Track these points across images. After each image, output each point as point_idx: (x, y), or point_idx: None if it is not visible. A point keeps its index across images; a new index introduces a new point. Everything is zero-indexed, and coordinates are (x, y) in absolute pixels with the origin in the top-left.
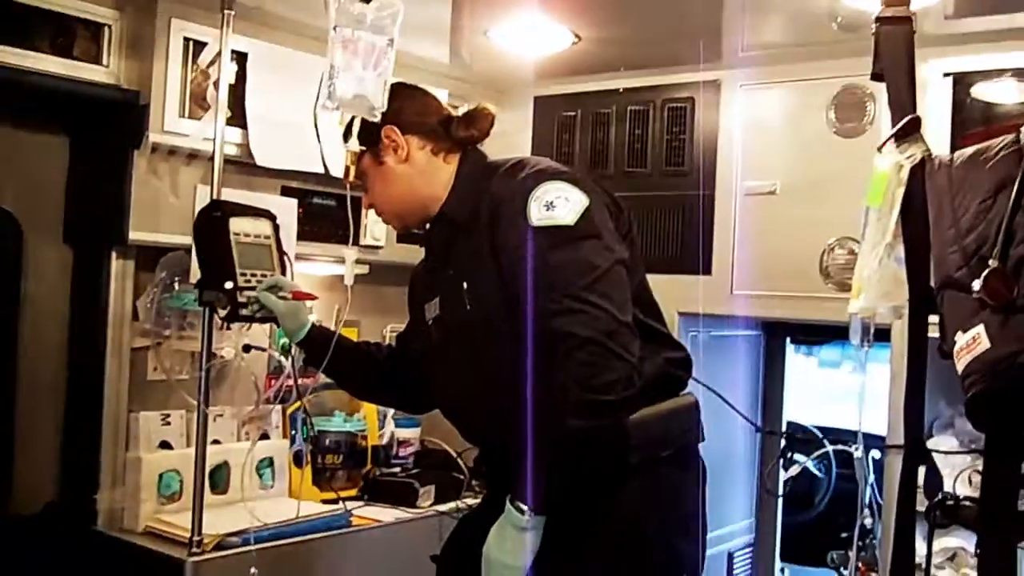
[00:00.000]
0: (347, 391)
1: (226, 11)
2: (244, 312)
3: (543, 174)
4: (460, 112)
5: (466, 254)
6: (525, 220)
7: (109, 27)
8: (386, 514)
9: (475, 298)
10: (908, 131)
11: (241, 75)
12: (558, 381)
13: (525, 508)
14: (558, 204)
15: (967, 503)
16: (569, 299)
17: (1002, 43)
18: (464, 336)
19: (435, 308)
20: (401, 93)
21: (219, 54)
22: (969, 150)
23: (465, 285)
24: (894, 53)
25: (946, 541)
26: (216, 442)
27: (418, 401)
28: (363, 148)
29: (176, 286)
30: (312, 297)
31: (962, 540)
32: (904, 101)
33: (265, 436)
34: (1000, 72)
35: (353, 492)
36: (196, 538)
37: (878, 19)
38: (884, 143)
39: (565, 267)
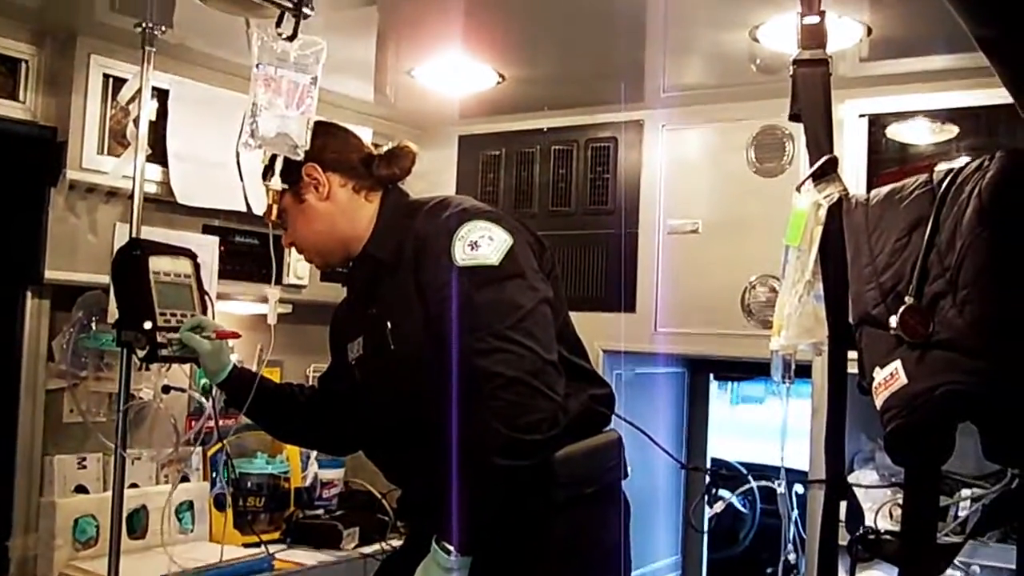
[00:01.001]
0: (269, 433)
1: (147, 47)
2: (164, 352)
3: (467, 213)
4: (381, 151)
5: (390, 293)
6: (450, 259)
7: (26, 62)
8: (310, 557)
9: (399, 337)
10: (826, 171)
11: (162, 112)
12: (483, 420)
13: (451, 548)
14: (482, 244)
15: (888, 536)
16: (494, 338)
17: (915, 85)
18: (388, 376)
19: (358, 348)
20: (322, 131)
21: (139, 91)
22: (884, 189)
23: (389, 324)
24: (811, 95)
25: (868, 575)
26: (134, 486)
27: (341, 442)
28: (284, 186)
29: (93, 326)
30: (236, 335)
31: (884, 573)
32: (821, 141)
33: (185, 479)
34: (913, 113)
35: (276, 535)
36: None
37: (795, 62)
38: (802, 183)
39: (490, 307)
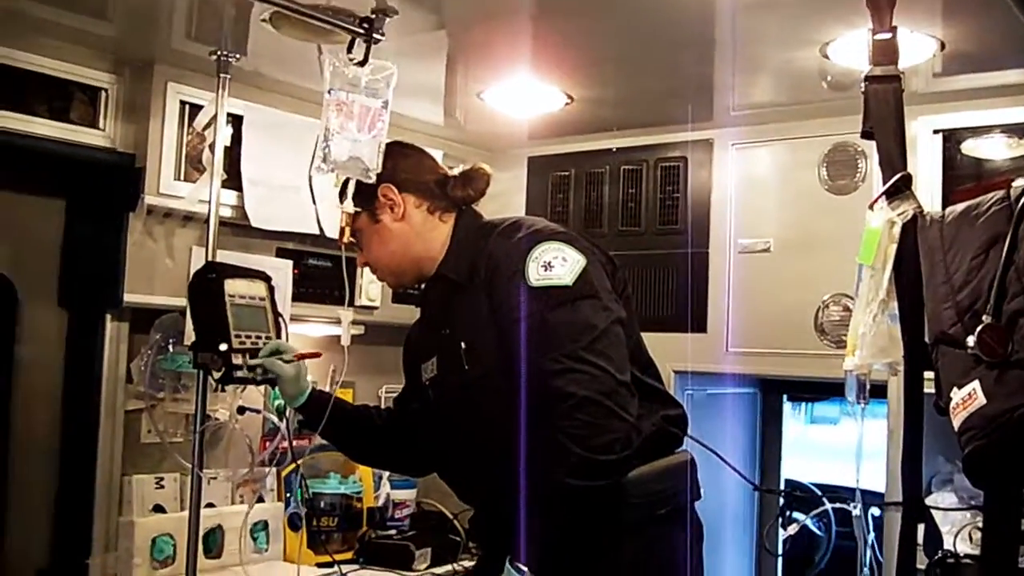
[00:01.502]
0: (346, 455)
1: (222, 75)
2: (240, 375)
3: (540, 234)
4: (456, 172)
5: (463, 314)
6: (523, 280)
7: (106, 91)
8: None
9: (473, 358)
10: (899, 188)
11: (236, 137)
12: (556, 440)
13: (524, 569)
14: (555, 264)
15: (968, 560)
16: (568, 359)
17: (990, 100)
18: (462, 396)
19: (432, 368)
20: (398, 152)
21: (215, 117)
22: (960, 206)
23: (463, 345)
24: (883, 111)
25: None
26: (210, 505)
27: (417, 464)
28: (357, 209)
29: (170, 348)
30: (317, 355)
31: None
32: (894, 158)
33: (260, 499)
34: (989, 128)
35: (349, 555)
36: None
37: (867, 78)
38: (875, 200)
39: (563, 327)
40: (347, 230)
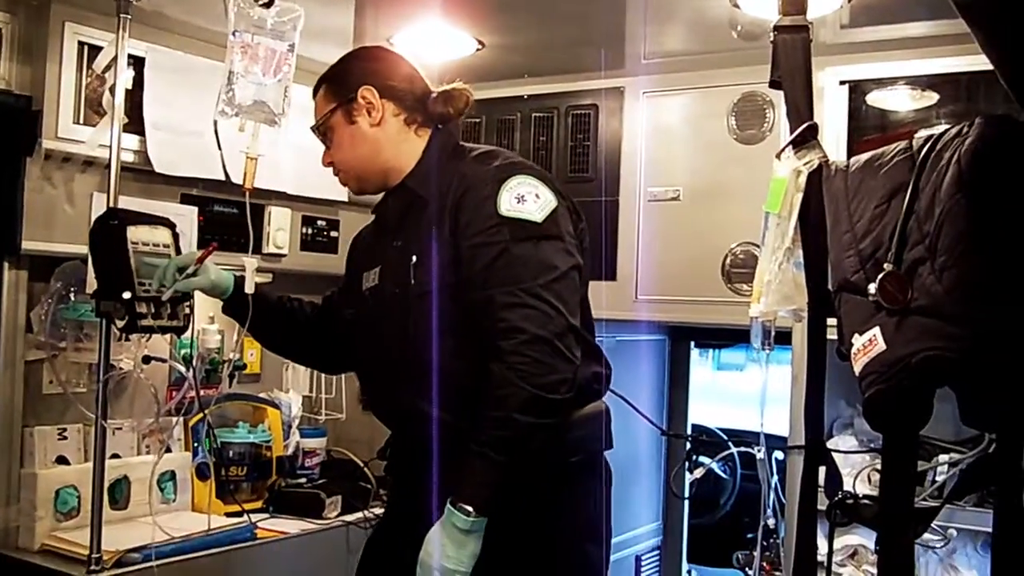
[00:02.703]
0: (264, 345)
1: (122, 15)
2: (145, 323)
3: (517, 166)
4: (440, 89)
5: (421, 229)
6: (494, 207)
7: (0, 31)
8: (292, 526)
9: (421, 273)
10: (805, 138)
11: (138, 80)
12: (503, 375)
13: (470, 508)
14: (528, 199)
15: (866, 501)
16: (524, 294)
17: (896, 52)
18: (402, 309)
19: (374, 278)
20: (387, 58)
21: (115, 59)
22: (864, 156)
23: (414, 259)
24: (791, 61)
25: (847, 539)
26: (115, 456)
27: (336, 363)
28: (334, 104)
29: (72, 297)
30: (214, 246)
31: (862, 537)
32: (801, 108)
33: (167, 449)
34: (894, 80)
35: (258, 504)
36: (95, 555)
37: (776, 28)
38: (782, 150)
39: (525, 261)
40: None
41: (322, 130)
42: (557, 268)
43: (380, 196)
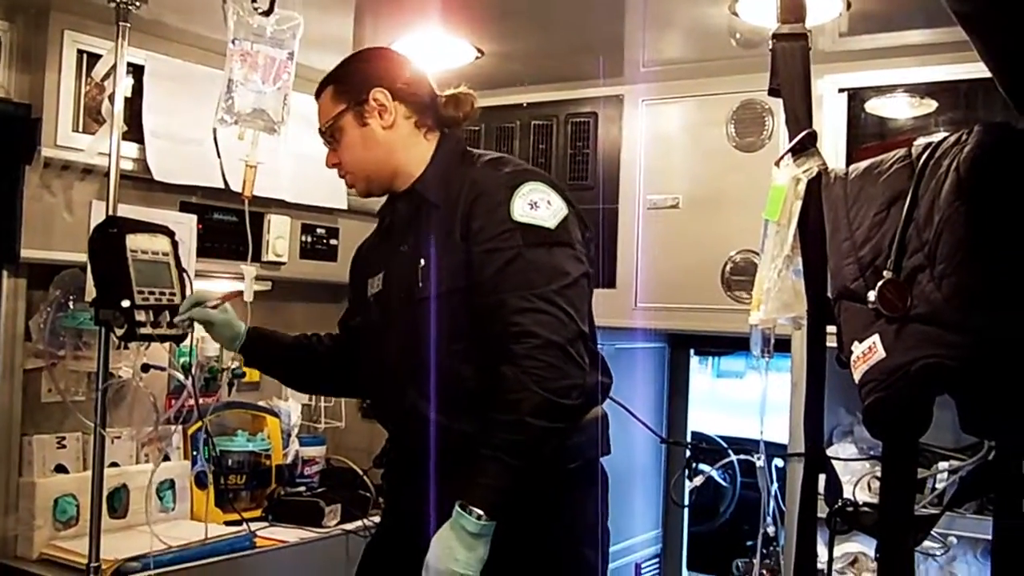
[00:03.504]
0: (293, 388)
1: (121, 23)
2: (144, 331)
3: (529, 173)
4: (447, 93)
5: (429, 233)
6: (507, 212)
7: None
8: (291, 534)
9: (429, 277)
10: (804, 145)
11: (137, 88)
12: (515, 377)
13: (480, 512)
14: (541, 205)
15: (866, 509)
16: (538, 299)
17: (894, 59)
18: (407, 314)
19: (379, 283)
20: (397, 60)
21: (114, 67)
22: (863, 164)
23: (422, 262)
24: (790, 69)
25: (847, 547)
26: (114, 465)
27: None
28: (344, 106)
29: (71, 305)
30: (238, 293)
31: (862, 545)
32: (800, 116)
33: (166, 458)
34: (892, 88)
35: (257, 513)
36: (94, 564)
37: (775, 36)
38: (781, 157)
39: (538, 267)
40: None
41: (330, 132)
42: (569, 274)
43: (382, 201)
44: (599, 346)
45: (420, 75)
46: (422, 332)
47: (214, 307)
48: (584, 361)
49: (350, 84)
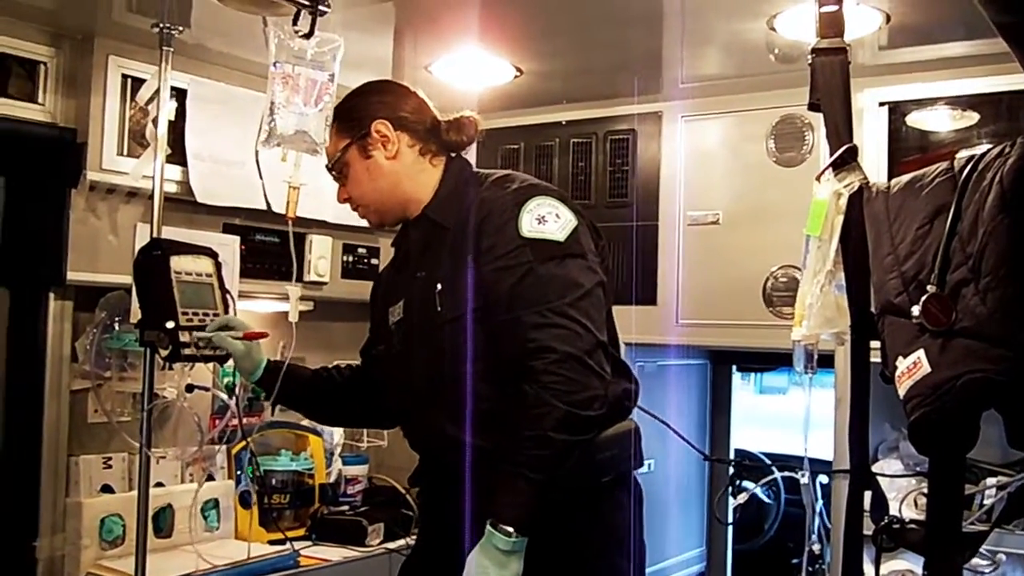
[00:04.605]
0: (315, 420)
1: (165, 48)
2: (189, 352)
3: (535, 188)
4: (449, 118)
5: (443, 257)
6: (516, 230)
7: (44, 64)
8: (334, 553)
9: (447, 301)
10: (845, 160)
11: (180, 112)
12: (537, 395)
13: (510, 529)
14: (549, 219)
15: (913, 526)
16: (553, 314)
17: (935, 72)
18: (429, 339)
19: (399, 311)
20: (395, 90)
21: (158, 91)
22: (905, 178)
23: (439, 287)
24: (830, 83)
25: (894, 564)
26: (159, 484)
27: (387, 415)
28: (348, 140)
29: (116, 326)
30: (264, 335)
31: (909, 563)
32: (841, 130)
33: (210, 477)
34: (933, 101)
35: (301, 532)
36: None
37: (814, 50)
38: (822, 172)
39: (551, 281)
40: (294, 206)
41: (337, 167)
42: (582, 286)
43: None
44: (640, 362)
45: (419, 102)
46: (445, 355)
47: (236, 339)
48: (605, 371)
49: (351, 119)
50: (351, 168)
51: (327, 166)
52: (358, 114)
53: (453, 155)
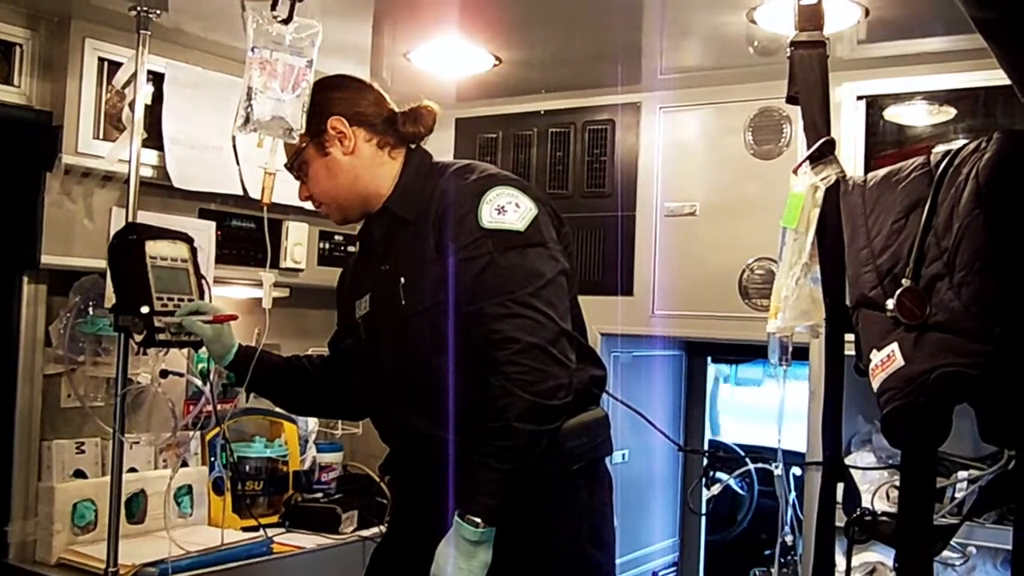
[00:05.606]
0: (283, 408)
1: (142, 31)
2: (162, 337)
3: (494, 178)
4: (405, 108)
5: (407, 250)
6: (476, 221)
7: (20, 46)
8: (308, 540)
9: (411, 293)
10: (823, 153)
11: (157, 96)
12: (501, 386)
13: (478, 520)
14: (509, 209)
15: (885, 518)
16: (514, 304)
17: (913, 67)
18: (395, 332)
19: (365, 304)
20: (348, 85)
21: (135, 74)
22: (882, 172)
23: (403, 280)
24: (808, 77)
25: (865, 556)
26: (132, 470)
27: (354, 407)
28: (306, 138)
29: (90, 311)
30: (233, 318)
31: (881, 555)
32: (818, 123)
33: (184, 463)
34: (911, 95)
35: (274, 519)
36: (112, 569)
37: (793, 43)
38: (799, 165)
39: (512, 272)
40: (269, 192)
41: (296, 166)
42: (544, 275)
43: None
44: (616, 352)
45: (375, 96)
46: (411, 348)
47: (206, 323)
48: (569, 359)
49: (308, 117)
50: (310, 166)
51: (286, 165)
52: (313, 112)
53: (413, 146)
